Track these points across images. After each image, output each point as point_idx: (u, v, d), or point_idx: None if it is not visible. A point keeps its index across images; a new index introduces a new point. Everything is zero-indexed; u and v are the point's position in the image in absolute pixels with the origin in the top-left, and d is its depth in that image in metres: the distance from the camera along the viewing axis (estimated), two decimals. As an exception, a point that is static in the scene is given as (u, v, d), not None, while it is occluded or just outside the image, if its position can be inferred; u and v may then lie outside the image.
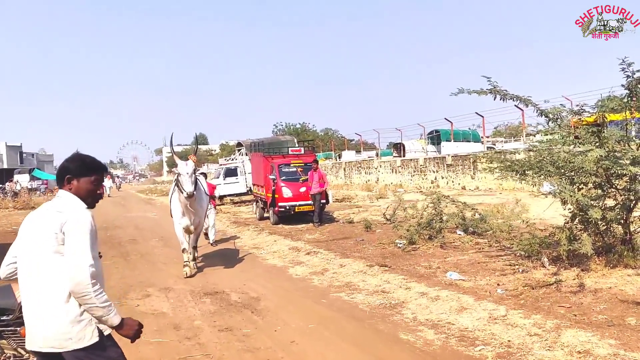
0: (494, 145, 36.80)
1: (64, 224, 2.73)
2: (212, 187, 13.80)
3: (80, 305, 2.75)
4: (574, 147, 7.60)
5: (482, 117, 25.82)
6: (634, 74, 6.67)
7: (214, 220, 13.42)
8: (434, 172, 28.40)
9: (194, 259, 10.02)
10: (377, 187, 30.57)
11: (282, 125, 68.28)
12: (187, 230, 9.66)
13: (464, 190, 24.37)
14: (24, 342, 4.33)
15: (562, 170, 7.64)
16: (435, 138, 35.30)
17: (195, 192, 9.09)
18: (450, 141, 32.22)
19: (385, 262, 9.48)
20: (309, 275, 9.13)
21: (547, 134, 8.10)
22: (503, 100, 8.42)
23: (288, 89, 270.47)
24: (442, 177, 27.61)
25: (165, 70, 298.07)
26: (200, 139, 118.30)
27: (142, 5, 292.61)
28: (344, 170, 38.38)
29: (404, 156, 34.86)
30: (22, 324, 4.27)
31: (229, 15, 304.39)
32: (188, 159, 9.24)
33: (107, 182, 48.73)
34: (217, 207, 14.01)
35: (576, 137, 8.13)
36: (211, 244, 13.12)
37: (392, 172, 32.21)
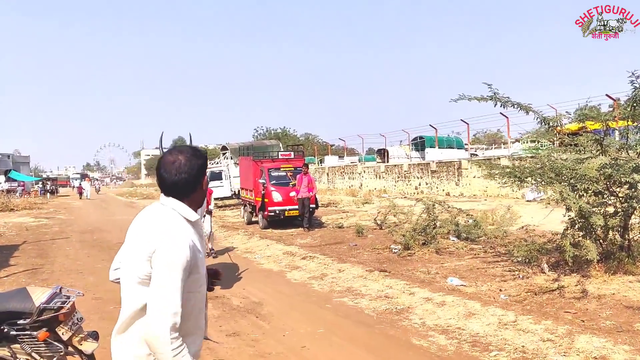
0: (476, 152, 37.20)
1: (153, 253, 2.13)
2: (209, 193, 11.76)
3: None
4: (575, 154, 7.69)
5: (467, 124, 26.09)
6: (642, 85, 6.81)
7: (210, 228, 11.34)
8: (418, 178, 28.57)
9: None
10: (361, 192, 30.66)
11: (263, 130, 68.19)
12: None
13: (449, 196, 24.53)
14: (40, 347, 4.26)
15: (563, 177, 7.72)
16: (420, 144, 35.54)
17: None
18: (434, 147, 32.46)
19: (383, 267, 9.48)
20: (308, 279, 9.08)
21: (551, 142, 8.20)
22: (504, 107, 8.51)
23: (267, 93, 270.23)
24: (427, 183, 27.79)
25: (143, 73, 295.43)
26: (179, 142, 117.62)
27: (119, 7, 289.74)
28: (327, 175, 38.42)
29: (387, 162, 35.01)
30: (39, 327, 4.20)
31: (207, 19, 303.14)
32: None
33: (85, 185, 48.21)
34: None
35: (575, 145, 8.25)
36: (213, 257, 11.19)
37: (376, 177, 32.32)
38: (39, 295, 4.25)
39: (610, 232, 7.96)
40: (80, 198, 44.76)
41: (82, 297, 4.43)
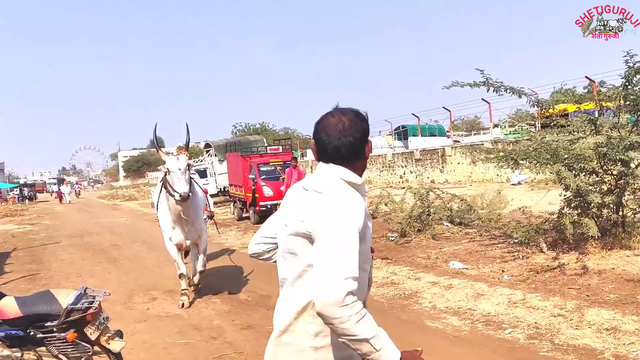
0: (458, 139, 37.57)
1: (316, 210, 1.89)
2: (205, 192, 9.67)
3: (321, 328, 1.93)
4: (568, 134, 7.87)
5: (449, 111, 26.35)
6: (635, 64, 6.99)
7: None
8: (402, 167, 28.78)
9: (198, 284, 8.08)
10: (346, 183, 30.78)
11: (241, 126, 67.89)
12: (180, 248, 7.75)
13: (434, 183, 24.77)
14: (67, 349, 4.27)
15: (558, 158, 7.89)
16: (402, 133, 35.79)
17: (191, 194, 7.00)
18: (417, 136, 32.71)
19: (384, 254, 9.59)
20: (311, 271, 9.15)
21: (531, 124, 8.38)
22: (496, 92, 8.65)
23: (243, 89, 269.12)
24: (411, 172, 28.01)
25: (116, 74, 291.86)
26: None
27: (89, 8, 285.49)
28: (311, 168, 38.45)
29: (370, 152, 35.12)
30: (66, 329, 4.21)
31: (179, 18, 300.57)
32: (178, 154, 7.22)
33: (65, 189, 47.59)
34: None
35: (567, 125, 8.45)
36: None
37: (360, 168, 32.44)
38: (64, 297, 4.26)
39: (605, 210, 8.18)
40: (61, 202, 44.22)
41: (108, 296, 4.43)
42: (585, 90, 9.17)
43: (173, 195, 6.93)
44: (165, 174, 7.14)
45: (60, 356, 4.32)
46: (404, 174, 28.47)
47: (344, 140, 1.96)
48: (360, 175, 2.03)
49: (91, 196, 60.52)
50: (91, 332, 4.23)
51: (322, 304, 1.72)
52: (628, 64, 7.00)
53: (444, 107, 26.15)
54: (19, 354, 4.34)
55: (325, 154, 2.02)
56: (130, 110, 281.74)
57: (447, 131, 34.13)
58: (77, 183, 75.44)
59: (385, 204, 13.68)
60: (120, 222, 21.92)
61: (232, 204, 19.93)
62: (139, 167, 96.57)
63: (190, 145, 8.20)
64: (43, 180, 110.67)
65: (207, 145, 28.20)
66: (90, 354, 4.32)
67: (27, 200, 49.87)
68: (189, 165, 7.11)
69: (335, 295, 1.70)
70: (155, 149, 7.81)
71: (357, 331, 1.72)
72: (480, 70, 8.51)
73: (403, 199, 13.16)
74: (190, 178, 7.33)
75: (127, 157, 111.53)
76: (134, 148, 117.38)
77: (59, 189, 51.56)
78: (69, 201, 44.12)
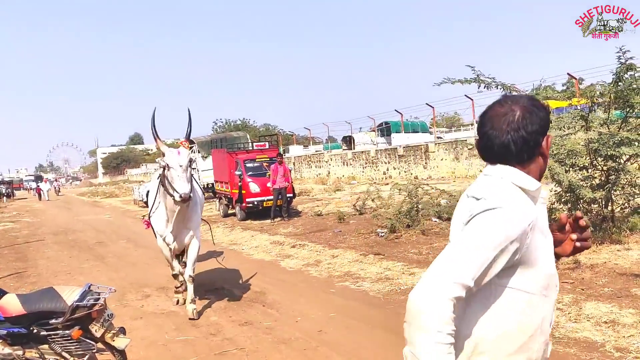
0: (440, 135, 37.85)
1: (471, 217, 1.59)
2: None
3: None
4: (559, 130, 7.97)
5: (433, 107, 26.50)
6: (627, 61, 7.10)
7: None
8: (385, 163, 28.88)
9: (192, 300, 6.79)
10: (330, 180, 30.84)
11: (222, 122, 67.49)
12: (171, 248, 7.02)
13: (417, 179, 24.90)
14: (70, 346, 4.21)
15: (550, 153, 8.00)
16: (386, 130, 35.94)
17: (191, 194, 6.33)
18: (400, 132, 32.88)
19: (375, 250, 9.63)
20: (303, 267, 9.16)
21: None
22: (487, 88, 8.71)
23: (222, 86, 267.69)
24: (395, 168, 28.13)
25: (93, 70, 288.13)
26: (136, 139, 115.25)
27: (65, 4, 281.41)
28: (294, 164, 38.39)
29: (353, 149, 35.26)
30: (71, 326, 4.15)
31: (159, 15, 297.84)
32: (179, 146, 6.46)
33: (43, 186, 46.89)
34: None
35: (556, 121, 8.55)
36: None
37: (344, 164, 32.51)
38: (68, 294, 4.21)
39: (594, 205, 8.30)
40: (40, 200, 43.61)
41: (114, 293, 4.38)
42: (564, 87, 9.29)
43: (172, 195, 6.27)
44: (164, 169, 6.41)
45: (64, 354, 4.27)
46: (387, 170, 28.58)
47: (514, 135, 1.63)
48: (539, 178, 1.70)
49: (70, 193, 59.71)
50: (96, 329, 4.19)
51: (407, 309, 1.49)
52: (620, 60, 7.10)
53: (427, 104, 26.31)
54: (20, 352, 4.28)
55: (491, 152, 1.69)
56: (108, 106, 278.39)
57: (430, 127, 34.39)
58: (56, 180, 74.24)
59: (373, 200, 13.77)
60: (103, 219, 21.67)
61: (217, 200, 19.83)
62: (118, 163, 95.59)
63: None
64: (19, 177, 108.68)
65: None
66: (94, 351, 4.28)
67: (5, 197, 48.91)
68: (191, 161, 6.40)
69: (420, 304, 1.45)
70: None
71: (422, 356, 1.44)
72: (472, 67, 8.57)
73: (390, 195, 13.22)
74: (191, 175, 6.60)
75: (105, 153, 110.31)
76: (112, 145, 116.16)
77: (38, 186, 50.77)
78: (48, 198, 43.49)
